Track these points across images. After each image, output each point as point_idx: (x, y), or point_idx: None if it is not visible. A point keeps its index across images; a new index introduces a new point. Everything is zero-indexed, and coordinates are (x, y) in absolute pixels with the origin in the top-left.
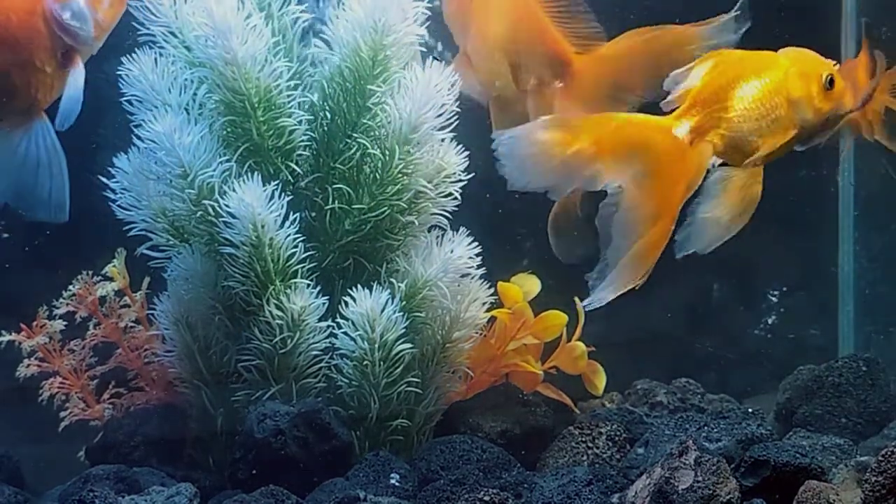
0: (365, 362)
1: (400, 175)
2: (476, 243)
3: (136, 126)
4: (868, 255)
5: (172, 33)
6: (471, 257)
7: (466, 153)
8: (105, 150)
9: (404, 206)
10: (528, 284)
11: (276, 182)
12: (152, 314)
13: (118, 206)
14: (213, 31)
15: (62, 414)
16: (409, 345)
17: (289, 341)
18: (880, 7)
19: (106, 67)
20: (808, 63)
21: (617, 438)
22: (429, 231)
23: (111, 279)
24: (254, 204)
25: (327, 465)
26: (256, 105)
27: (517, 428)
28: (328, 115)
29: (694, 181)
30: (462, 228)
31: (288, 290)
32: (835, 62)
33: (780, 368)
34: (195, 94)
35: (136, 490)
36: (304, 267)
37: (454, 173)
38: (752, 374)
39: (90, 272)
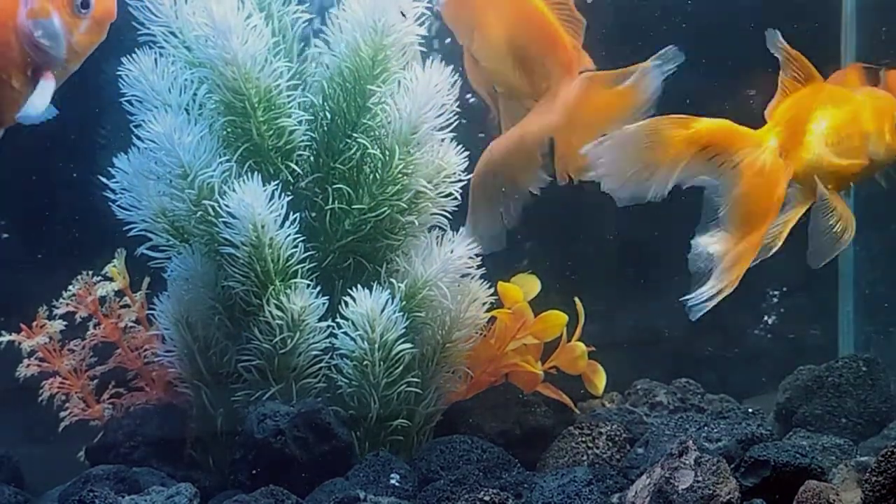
0: (365, 362)
1: (400, 175)
2: (476, 243)
3: (136, 126)
4: (868, 255)
5: (172, 33)
6: (471, 257)
7: (466, 153)
8: (105, 150)
9: (404, 206)
10: (528, 284)
11: (276, 182)
12: (152, 314)
13: (118, 206)
14: (213, 31)
15: (62, 414)
16: (409, 345)
17: (289, 341)
18: (880, 7)
19: (106, 67)
20: (883, 101)
21: (617, 438)
22: (429, 231)
23: (111, 279)
24: (254, 204)
25: (327, 465)
26: (256, 105)
27: (517, 428)
28: (328, 115)
29: (774, 194)
30: (462, 228)
31: (288, 291)
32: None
33: (780, 368)
34: (195, 94)
35: (136, 490)
36: (304, 267)
37: (454, 173)
38: (752, 374)
39: (90, 272)
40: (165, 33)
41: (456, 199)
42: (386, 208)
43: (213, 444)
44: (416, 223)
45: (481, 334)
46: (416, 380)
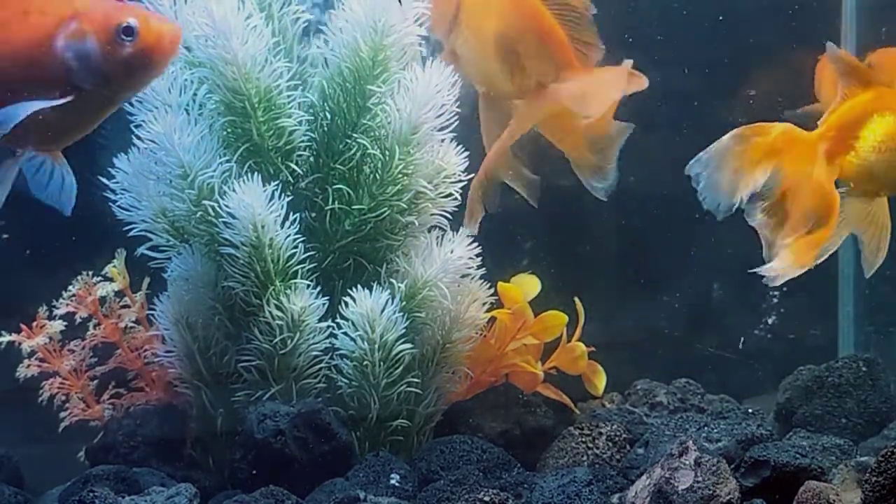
0: (365, 363)
1: (400, 175)
2: (476, 243)
3: (136, 126)
4: None
5: None
6: (471, 257)
7: (466, 153)
8: (105, 150)
9: (404, 206)
10: (528, 285)
11: (276, 182)
12: (152, 314)
13: (118, 206)
14: (213, 32)
15: (62, 414)
16: (409, 345)
17: (289, 342)
18: (880, 7)
19: None
20: None
21: (617, 439)
22: (429, 231)
23: (111, 279)
24: (254, 204)
25: (327, 466)
26: (256, 105)
27: (517, 428)
28: (328, 116)
29: (823, 197)
30: (462, 228)
31: (288, 291)
32: None
33: (780, 368)
34: (195, 94)
35: (136, 490)
36: (304, 267)
37: (454, 173)
38: (752, 374)
39: (90, 272)
40: None
41: (456, 199)
42: (386, 208)
43: (213, 444)
44: (416, 223)
45: (481, 334)
46: (416, 380)
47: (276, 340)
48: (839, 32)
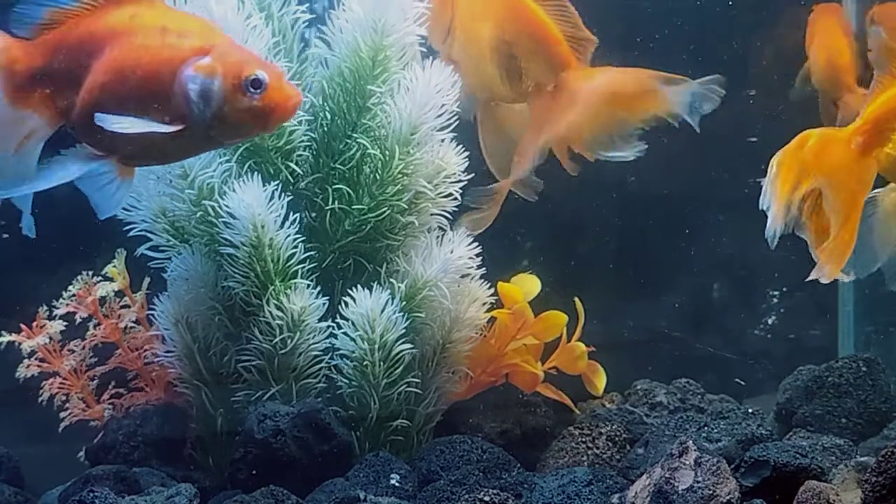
0: (365, 363)
1: (400, 175)
2: (476, 243)
3: None
4: None
5: None
6: (471, 257)
7: (466, 153)
8: None
9: (404, 206)
10: (528, 285)
11: (276, 182)
12: (152, 314)
13: None
14: None
15: (62, 414)
16: (409, 345)
17: (289, 342)
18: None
19: None
20: None
21: (617, 439)
22: (429, 231)
23: (111, 279)
24: (254, 204)
25: (327, 466)
26: None
27: (517, 428)
28: (328, 116)
29: (860, 191)
30: (462, 228)
31: (288, 291)
32: None
33: (780, 368)
34: None
35: (136, 490)
36: (304, 267)
37: (454, 173)
38: (752, 374)
39: (90, 272)
40: None
41: (456, 199)
42: (386, 208)
43: (213, 444)
44: (416, 223)
45: (481, 334)
46: (416, 380)
47: (276, 340)
48: None
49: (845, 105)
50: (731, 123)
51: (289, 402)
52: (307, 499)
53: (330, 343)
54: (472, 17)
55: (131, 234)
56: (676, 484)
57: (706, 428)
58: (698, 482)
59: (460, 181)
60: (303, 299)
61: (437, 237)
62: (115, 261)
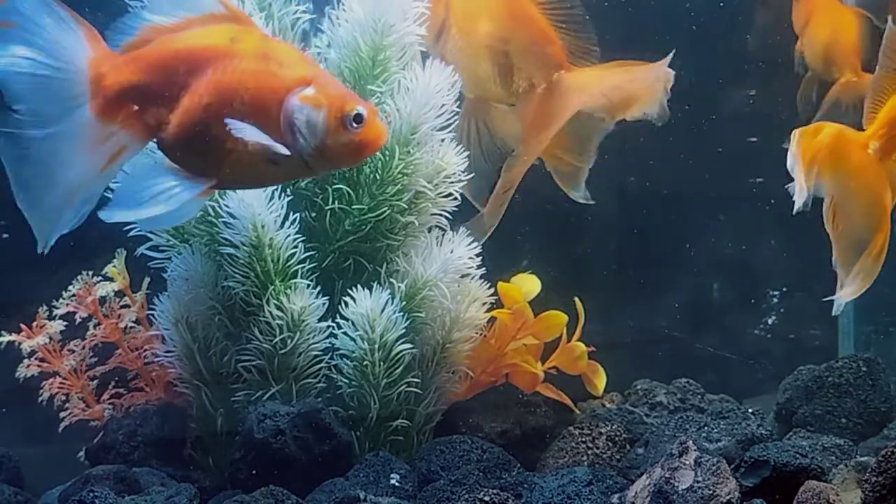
0: (365, 363)
1: (400, 175)
2: (476, 243)
3: None
4: None
5: None
6: (471, 257)
7: (466, 153)
8: None
9: (404, 206)
10: (528, 284)
11: None
12: (152, 314)
13: None
14: None
15: (62, 414)
16: (409, 345)
17: (289, 341)
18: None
19: None
20: None
21: (617, 438)
22: (429, 231)
23: (111, 279)
24: (253, 204)
25: (327, 465)
26: None
27: (517, 428)
28: None
29: (883, 198)
30: (462, 228)
31: (288, 291)
32: None
33: (780, 368)
34: None
35: (136, 490)
36: (303, 267)
37: (454, 173)
38: (752, 374)
39: (90, 272)
40: None
41: (456, 199)
42: (386, 208)
43: (213, 444)
44: (416, 223)
45: (481, 334)
46: (416, 380)
47: (276, 340)
48: None
49: (847, 89)
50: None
51: (289, 402)
52: (307, 499)
53: (330, 343)
54: (466, 15)
55: (131, 234)
56: (676, 484)
57: (706, 428)
58: (698, 482)
59: (460, 181)
60: (303, 299)
61: (437, 237)
62: (115, 261)
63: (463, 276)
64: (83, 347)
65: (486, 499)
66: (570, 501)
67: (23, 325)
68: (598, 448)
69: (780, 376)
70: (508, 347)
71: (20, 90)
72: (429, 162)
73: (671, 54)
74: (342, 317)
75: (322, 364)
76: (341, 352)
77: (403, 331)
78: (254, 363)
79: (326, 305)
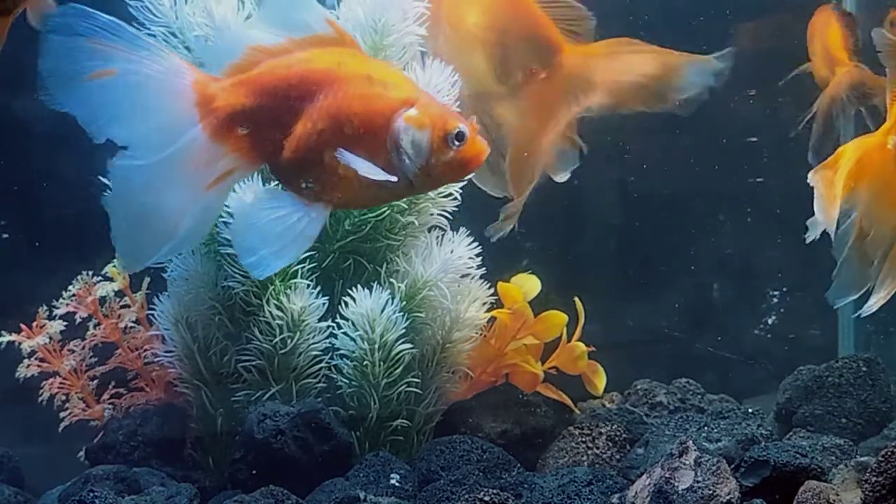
0: (365, 363)
1: None
2: (476, 243)
3: None
4: None
5: (173, 34)
6: (471, 257)
7: None
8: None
9: (404, 206)
10: (528, 284)
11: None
12: (152, 314)
13: None
14: (213, 32)
15: (62, 414)
16: (408, 345)
17: (289, 341)
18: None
19: None
20: None
21: (617, 438)
22: (429, 231)
23: (111, 279)
24: None
25: (327, 466)
26: None
27: (517, 428)
28: None
29: None
30: (462, 228)
31: (288, 291)
32: None
33: (780, 368)
34: None
35: (136, 490)
36: (303, 267)
37: None
38: (752, 374)
39: (90, 272)
40: (166, 34)
41: (456, 199)
42: (386, 208)
43: (213, 444)
44: (416, 223)
45: (481, 334)
46: (416, 380)
47: (276, 340)
48: None
49: (839, 83)
50: (732, 119)
51: (289, 402)
52: (307, 499)
53: (330, 343)
54: (458, 7)
55: None
56: (676, 484)
57: (706, 428)
58: (698, 482)
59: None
60: (303, 299)
61: (437, 237)
62: (115, 261)
63: (463, 276)
64: (83, 347)
65: (486, 499)
66: (570, 501)
67: (23, 325)
68: (598, 448)
69: (780, 376)
70: (508, 347)
71: (128, 125)
72: None
73: (729, 49)
74: (342, 317)
75: (322, 364)
76: (341, 352)
77: (403, 331)
78: (254, 363)
79: (326, 305)
